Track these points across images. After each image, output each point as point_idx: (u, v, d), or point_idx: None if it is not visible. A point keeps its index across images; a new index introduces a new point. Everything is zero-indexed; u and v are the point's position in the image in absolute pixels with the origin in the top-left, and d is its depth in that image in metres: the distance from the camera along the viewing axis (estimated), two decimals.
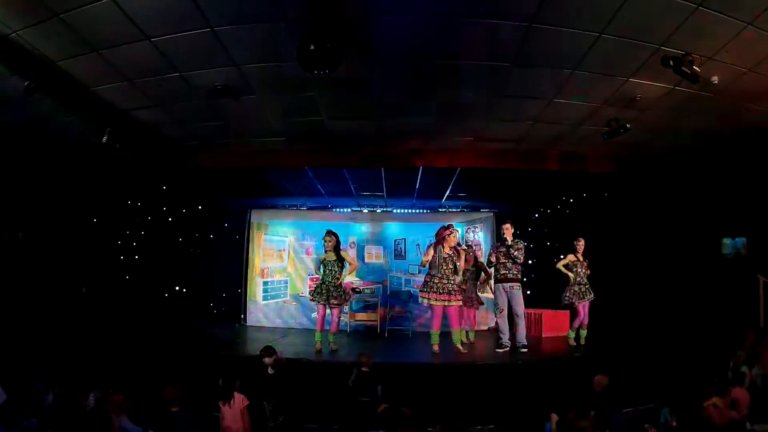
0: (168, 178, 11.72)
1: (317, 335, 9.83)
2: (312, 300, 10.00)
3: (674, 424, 5.89)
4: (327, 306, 9.77)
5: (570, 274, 10.17)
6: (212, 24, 5.32)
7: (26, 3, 4.88)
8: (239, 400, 6.27)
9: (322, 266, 9.89)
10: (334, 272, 9.78)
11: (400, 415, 5.59)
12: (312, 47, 5.04)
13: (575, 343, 10.12)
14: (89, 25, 5.29)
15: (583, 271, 10.14)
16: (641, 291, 10.84)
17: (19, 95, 6.36)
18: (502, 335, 9.65)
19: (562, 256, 10.54)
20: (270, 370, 7.39)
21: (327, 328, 9.98)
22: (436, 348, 9.37)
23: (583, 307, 10.09)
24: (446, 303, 9.27)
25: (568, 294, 10.16)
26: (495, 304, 9.90)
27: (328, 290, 9.69)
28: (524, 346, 9.45)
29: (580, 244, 10.20)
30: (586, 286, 10.12)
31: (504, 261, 9.60)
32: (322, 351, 9.62)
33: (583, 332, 10.22)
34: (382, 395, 7.22)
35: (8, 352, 7.53)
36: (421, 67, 6.29)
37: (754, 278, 9.15)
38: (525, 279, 9.73)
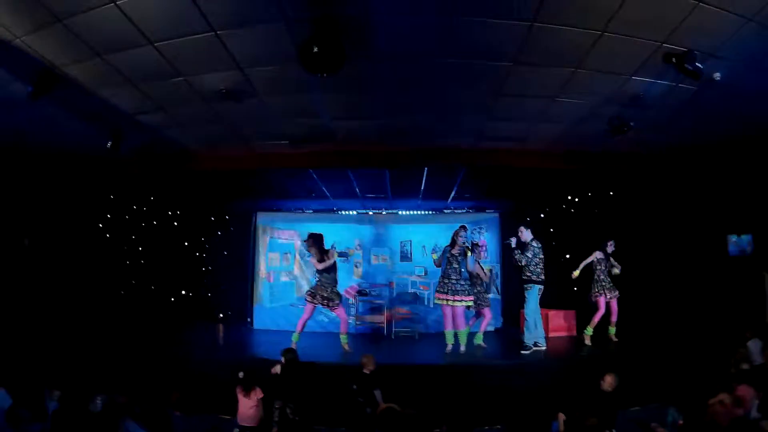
0: (173, 182, 11.74)
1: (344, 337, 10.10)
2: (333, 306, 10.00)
3: (681, 422, 5.88)
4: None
5: (578, 270, 10.18)
6: (215, 28, 5.34)
7: (30, 9, 4.91)
8: (258, 391, 6.83)
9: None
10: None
11: (399, 416, 5.58)
12: (314, 49, 5.05)
13: (590, 343, 10.06)
14: (92, 30, 5.32)
15: (607, 269, 10.13)
16: (647, 289, 10.81)
17: (23, 100, 6.40)
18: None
19: (567, 256, 10.53)
20: (278, 370, 7.50)
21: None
22: (448, 347, 9.43)
23: (605, 303, 10.09)
24: (448, 302, 9.33)
25: (595, 289, 10.14)
26: None
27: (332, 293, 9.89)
28: (524, 348, 9.45)
29: (610, 245, 10.23)
30: (612, 283, 10.11)
31: (522, 264, 9.64)
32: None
33: (612, 329, 10.20)
34: (382, 398, 7.23)
35: (15, 357, 7.57)
36: (423, 67, 6.29)
37: (759, 275, 9.13)
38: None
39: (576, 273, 10.17)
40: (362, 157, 9.53)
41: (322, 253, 9.87)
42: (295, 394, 7.30)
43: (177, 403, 6.36)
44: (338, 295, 10.03)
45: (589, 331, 10.18)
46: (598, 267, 10.22)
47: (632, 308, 10.63)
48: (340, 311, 10.03)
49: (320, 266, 9.85)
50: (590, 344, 9.96)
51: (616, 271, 10.15)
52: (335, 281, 10.05)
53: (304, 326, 10.04)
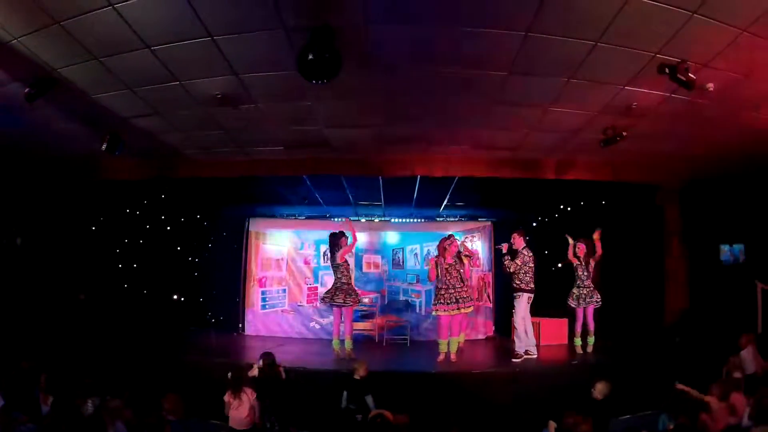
0: (167, 187, 11.72)
1: (336, 342, 10.06)
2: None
3: (671, 427, 5.90)
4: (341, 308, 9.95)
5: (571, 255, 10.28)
6: (212, 33, 5.35)
7: (27, 10, 4.91)
8: (249, 392, 6.73)
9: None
10: (347, 273, 10.06)
11: (390, 422, 5.59)
12: (310, 56, 5.07)
13: (582, 351, 10.09)
14: (90, 32, 5.32)
15: (585, 275, 10.13)
16: (639, 297, 10.85)
17: (19, 102, 6.40)
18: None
19: (560, 265, 10.58)
20: (255, 372, 7.58)
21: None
22: (441, 357, 9.43)
23: (584, 312, 10.09)
24: (453, 312, 9.36)
25: (570, 299, 10.18)
26: None
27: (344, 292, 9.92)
28: (515, 356, 9.45)
29: (581, 248, 10.21)
30: (588, 289, 10.10)
31: (511, 271, 9.63)
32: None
33: (591, 339, 10.16)
34: (374, 404, 7.23)
35: (5, 358, 7.52)
36: (419, 76, 6.32)
37: (752, 284, 9.19)
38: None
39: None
40: (356, 164, 9.55)
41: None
42: (273, 397, 7.31)
43: (170, 407, 6.32)
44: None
45: (578, 341, 10.20)
46: (576, 273, 10.27)
47: (625, 316, 10.67)
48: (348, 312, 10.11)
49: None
50: (582, 352, 9.98)
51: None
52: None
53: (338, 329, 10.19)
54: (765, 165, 8.87)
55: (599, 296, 10.09)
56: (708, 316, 9.66)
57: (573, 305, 10.13)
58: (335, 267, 10.08)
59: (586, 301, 10.01)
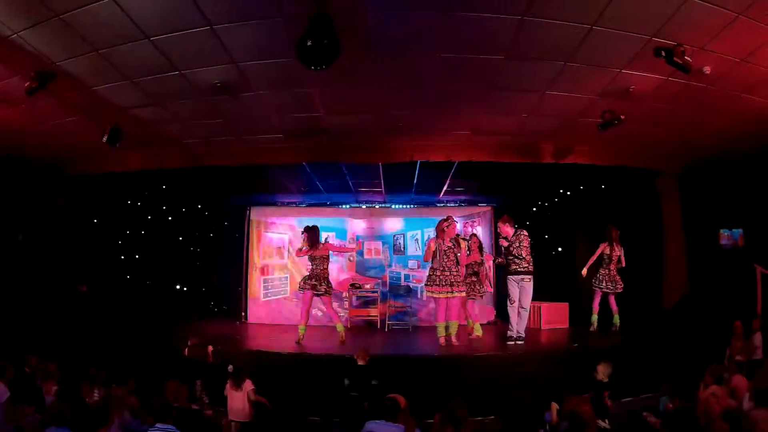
0: (167, 177, 11.73)
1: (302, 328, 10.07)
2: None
3: (671, 406, 5.96)
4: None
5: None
6: (211, 22, 5.37)
7: (27, 4, 4.94)
8: (248, 384, 6.79)
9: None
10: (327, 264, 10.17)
11: (399, 406, 5.63)
12: (309, 43, 5.09)
13: (596, 327, 10.29)
14: (89, 25, 5.34)
15: (610, 260, 10.27)
16: (639, 283, 10.90)
17: (20, 95, 6.43)
18: (511, 328, 9.67)
19: (560, 249, 10.59)
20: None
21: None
22: (442, 341, 9.44)
23: (603, 295, 10.31)
24: (448, 295, 9.33)
25: (594, 280, 10.31)
26: (507, 296, 9.77)
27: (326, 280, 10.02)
28: (520, 338, 9.49)
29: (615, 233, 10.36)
30: (612, 274, 10.26)
31: (514, 255, 9.61)
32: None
33: (616, 318, 10.34)
34: (378, 390, 7.27)
35: (9, 350, 7.58)
36: (417, 61, 6.33)
37: (751, 268, 9.22)
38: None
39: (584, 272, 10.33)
40: (356, 150, 9.56)
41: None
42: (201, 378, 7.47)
43: (173, 394, 6.37)
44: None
45: (594, 318, 10.30)
46: (603, 259, 10.36)
47: (626, 300, 10.73)
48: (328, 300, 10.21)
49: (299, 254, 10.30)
50: (595, 330, 10.10)
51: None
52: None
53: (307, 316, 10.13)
54: (763, 149, 8.87)
55: (621, 283, 10.22)
56: (708, 300, 9.69)
57: (603, 287, 10.22)
58: (320, 258, 10.07)
59: (608, 286, 10.12)
